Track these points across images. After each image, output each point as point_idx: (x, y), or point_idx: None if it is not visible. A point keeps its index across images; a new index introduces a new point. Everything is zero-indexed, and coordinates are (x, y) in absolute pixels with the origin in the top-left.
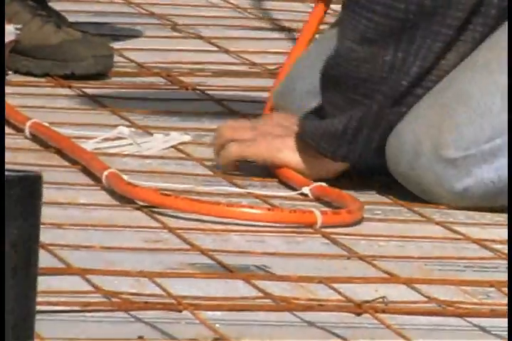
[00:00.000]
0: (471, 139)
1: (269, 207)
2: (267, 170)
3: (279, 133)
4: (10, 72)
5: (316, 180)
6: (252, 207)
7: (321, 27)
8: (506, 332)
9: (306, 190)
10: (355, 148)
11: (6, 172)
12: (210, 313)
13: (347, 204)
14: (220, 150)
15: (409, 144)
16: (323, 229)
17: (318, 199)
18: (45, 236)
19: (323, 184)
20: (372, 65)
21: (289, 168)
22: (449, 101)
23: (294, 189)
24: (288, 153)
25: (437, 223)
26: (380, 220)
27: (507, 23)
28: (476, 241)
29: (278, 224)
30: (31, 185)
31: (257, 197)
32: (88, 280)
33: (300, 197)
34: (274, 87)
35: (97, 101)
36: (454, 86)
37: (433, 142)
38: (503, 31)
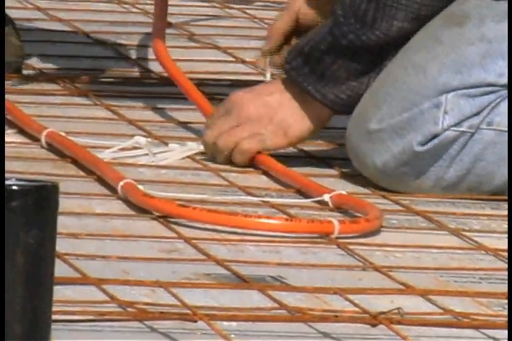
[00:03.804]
0: (385, 113)
1: (286, 217)
2: (283, 181)
3: (267, 115)
4: None
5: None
6: (269, 218)
7: None
8: None
9: (326, 197)
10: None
11: (23, 182)
12: (225, 324)
13: (366, 211)
14: (226, 155)
15: (352, 118)
16: (339, 240)
17: (337, 207)
18: (61, 245)
19: (343, 192)
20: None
21: (308, 134)
22: (379, 81)
23: (310, 198)
24: (296, 124)
25: (453, 233)
26: (396, 230)
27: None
28: (492, 252)
29: (294, 234)
30: (48, 194)
31: (273, 206)
32: (104, 290)
33: (318, 205)
34: None
35: (113, 111)
36: (387, 67)
37: (359, 115)
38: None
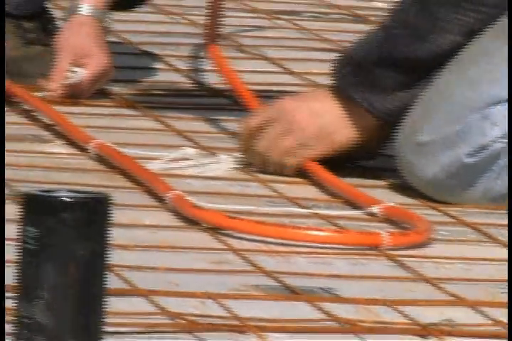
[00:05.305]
0: (435, 125)
1: (335, 228)
2: (331, 191)
3: (312, 123)
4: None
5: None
6: (317, 229)
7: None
8: None
9: (375, 209)
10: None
11: (75, 194)
12: (275, 335)
13: (415, 224)
14: (276, 167)
15: (401, 130)
16: (389, 251)
17: (386, 219)
18: (110, 257)
19: (392, 204)
20: None
21: (353, 141)
22: (430, 93)
23: (359, 209)
24: (341, 131)
25: (502, 244)
26: (445, 242)
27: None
28: None
29: (343, 246)
30: (100, 206)
31: (321, 217)
32: (153, 302)
33: (366, 216)
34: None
35: (161, 122)
36: (437, 79)
37: (408, 127)
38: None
